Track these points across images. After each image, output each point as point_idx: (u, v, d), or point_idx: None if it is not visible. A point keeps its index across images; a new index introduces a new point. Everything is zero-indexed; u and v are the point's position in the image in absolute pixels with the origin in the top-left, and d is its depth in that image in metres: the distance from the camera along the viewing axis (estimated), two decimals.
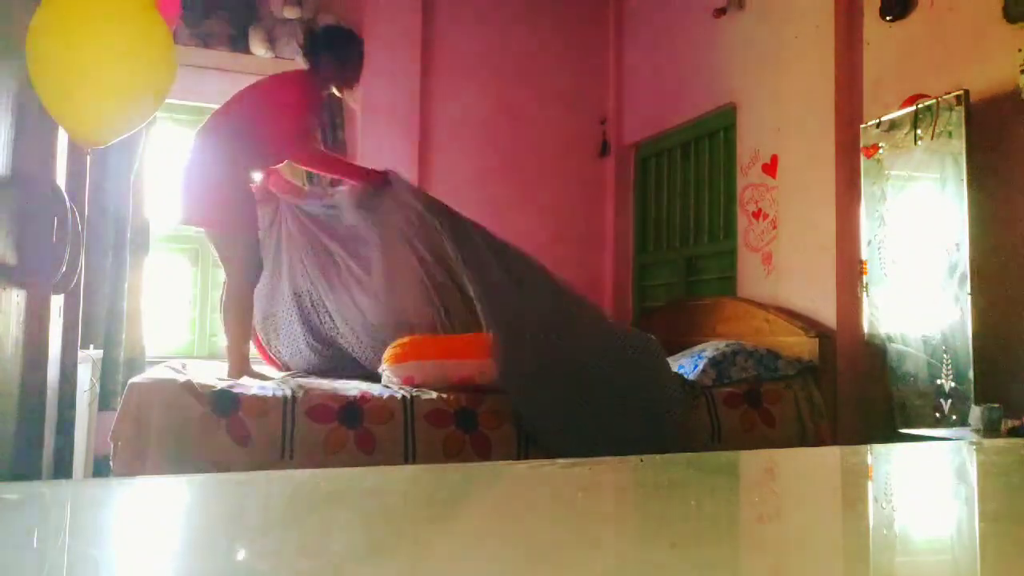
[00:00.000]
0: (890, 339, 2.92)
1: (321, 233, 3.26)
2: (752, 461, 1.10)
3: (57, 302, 2.10)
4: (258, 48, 4.24)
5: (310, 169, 3.20)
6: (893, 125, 2.94)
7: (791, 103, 3.48)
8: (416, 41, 4.57)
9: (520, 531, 0.64)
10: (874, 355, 3.00)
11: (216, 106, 4.29)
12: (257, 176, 3.17)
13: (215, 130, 2.98)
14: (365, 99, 4.42)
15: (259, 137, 2.97)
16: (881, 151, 2.99)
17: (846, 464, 1.04)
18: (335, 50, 3.11)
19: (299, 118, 3.03)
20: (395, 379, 2.75)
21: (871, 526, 0.71)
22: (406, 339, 2.87)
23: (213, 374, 2.78)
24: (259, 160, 3.08)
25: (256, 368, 3.00)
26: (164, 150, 4.31)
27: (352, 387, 2.67)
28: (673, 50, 4.42)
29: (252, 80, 4.25)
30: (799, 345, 3.19)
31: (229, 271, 2.96)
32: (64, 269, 1.97)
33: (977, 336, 2.56)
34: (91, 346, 3.38)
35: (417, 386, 2.68)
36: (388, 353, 2.84)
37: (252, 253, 2.95)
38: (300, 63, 4.25)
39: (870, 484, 0.93)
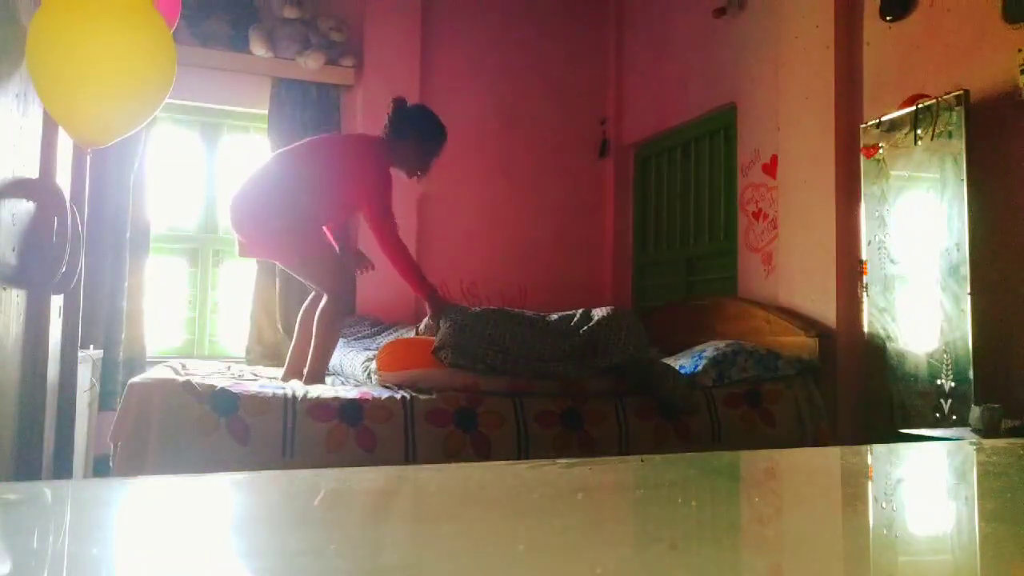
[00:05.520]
0: (890, 339, 2.92)
1: None
2: (752, 461, 1.10)
3: (57, 302, 2.10)
4: (258, 48, 4.24)
5: (382, 247, 2.93)
6: (893, 125, 2.94)
7: (791, 103, 3.48)
8: (416, 40, 4.58)
9: (520, 531, 0.64)
10: (874, 355, 3.00)
11: (216, 106, 4.34)
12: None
13: (274, 173, 2.94)
14: (365, 97, 4.42)
15: (326, 187, 2.93)
16: (881, 151, 2.99)
17: (846, 464, 1.04)
18: (422, 133, 3.02)
19: (377, 184, 2.92)
20: (390, 384, 2.73)
21: (871, 526, 0.71)
22: (395, 342, 2.84)
23: (213, 373, 2.77)
24: (322, 208, 2.96)
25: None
26: (164, 150, 4.31)
27: (351, 387, 2.67)
28: (673, 50, 4.42)
29: (252, 80, 4.29)
30: (799, 345, 3.19)
31: (323, 290, 2.97)
32: (64, 269, 1.97)
33: (977, 336, 2.56)
34: (91, 346, 3.38)
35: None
36: (378, 358, 2.82)
37: (333, 275, 2.93)
38: (300, 63, 4.29)
39: (870, 484, 0.93)
